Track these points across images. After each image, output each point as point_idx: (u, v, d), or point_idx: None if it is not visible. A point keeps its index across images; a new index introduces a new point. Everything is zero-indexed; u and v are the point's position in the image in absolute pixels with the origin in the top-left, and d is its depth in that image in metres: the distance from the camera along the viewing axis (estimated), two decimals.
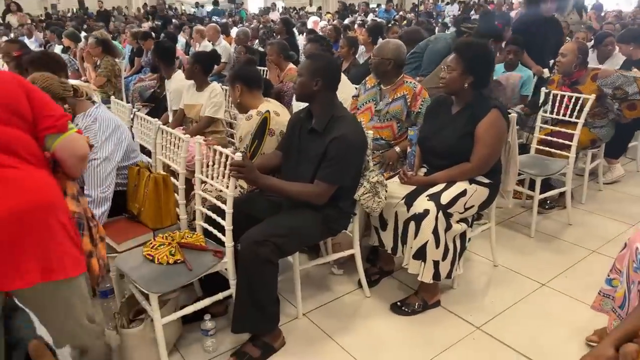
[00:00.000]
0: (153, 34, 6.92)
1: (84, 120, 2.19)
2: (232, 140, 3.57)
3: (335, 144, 1.98)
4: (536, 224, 3.06)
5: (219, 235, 2.07)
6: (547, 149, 3.23)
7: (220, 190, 2.11)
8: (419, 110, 2.73)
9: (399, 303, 2.36)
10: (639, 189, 3.80)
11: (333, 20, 10.87)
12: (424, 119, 2.59)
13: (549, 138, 3.26)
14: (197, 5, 17.43)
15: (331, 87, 2.10)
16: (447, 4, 15.73)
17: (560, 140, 3.14)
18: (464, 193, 2.28)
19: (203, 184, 2.20)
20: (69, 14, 15.88)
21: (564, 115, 3.17)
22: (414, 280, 2.32)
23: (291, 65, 4.08)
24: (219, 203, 2.07)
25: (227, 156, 1.99)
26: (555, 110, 3.23)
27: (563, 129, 3.17)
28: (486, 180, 2.35)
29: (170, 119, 3.75)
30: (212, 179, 2.10)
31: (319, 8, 18.18)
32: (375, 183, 2.21)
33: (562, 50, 3.27)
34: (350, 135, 2.02)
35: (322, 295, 2.47)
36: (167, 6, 12.38)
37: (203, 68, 3.26)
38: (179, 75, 3.66)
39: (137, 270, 1.89)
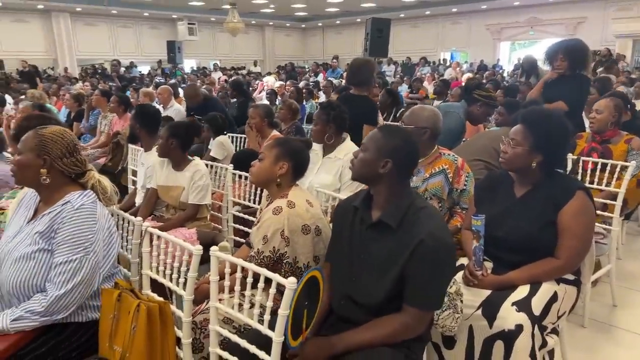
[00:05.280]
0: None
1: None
2: (218, 226, 2.89)
3: (428, 249, 1.43)
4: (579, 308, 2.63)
5: None
6: None
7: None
8: (464, 187, 2.27)
9: None
10: None
11: (279, 81, 10.64)
12: (475, 203, 2.12)
13: None
14: (131, 64, 16.43)
15: (404, 172, 1.57)
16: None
17: (599, 212, 2.80)
18: (555, 297, 1.79)
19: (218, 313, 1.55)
20: None
21: (600, 182, 2.84)
22: None
23: (275, 133, 3.56)
24: (257, 351, 1.41)
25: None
26: (588, 178, 2.91)
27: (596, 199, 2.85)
28: (572, 277, 1.88)
29: (139, 199, 2.98)
30: (235, 308, 1.47)
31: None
32: (453, 294, 1.67)
33: (596, 106, 3.00)
34: (445, 235, 1.48)
35: None
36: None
37: (181, 143, 2.62)
38: None
39: None
